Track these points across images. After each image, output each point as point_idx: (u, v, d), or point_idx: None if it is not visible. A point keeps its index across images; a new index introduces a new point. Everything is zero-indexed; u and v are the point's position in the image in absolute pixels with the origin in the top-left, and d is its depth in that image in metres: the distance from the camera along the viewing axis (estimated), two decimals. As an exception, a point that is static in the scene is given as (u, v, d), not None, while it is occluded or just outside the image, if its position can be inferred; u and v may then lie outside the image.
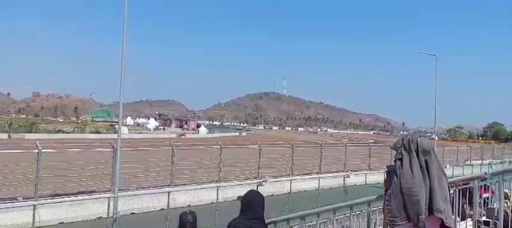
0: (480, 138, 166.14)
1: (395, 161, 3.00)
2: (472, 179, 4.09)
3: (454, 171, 27.28)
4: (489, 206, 4.16)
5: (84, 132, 75.87)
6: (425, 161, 2.90)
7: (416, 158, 2.90)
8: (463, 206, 4.81)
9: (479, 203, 4.15)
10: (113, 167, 16.88)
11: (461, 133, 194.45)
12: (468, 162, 38.75)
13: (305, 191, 25.28)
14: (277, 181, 24.72)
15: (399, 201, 2.84)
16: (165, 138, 60.13)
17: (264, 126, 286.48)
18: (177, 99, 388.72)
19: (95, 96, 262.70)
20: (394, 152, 3.08)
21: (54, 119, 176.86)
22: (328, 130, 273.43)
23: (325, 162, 27.20)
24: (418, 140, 2.95)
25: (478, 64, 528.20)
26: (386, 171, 3.15)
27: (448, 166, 32.36)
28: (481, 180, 4.02)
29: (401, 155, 2.95)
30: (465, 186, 4.62)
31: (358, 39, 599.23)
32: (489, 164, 38.43)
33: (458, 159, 38.53)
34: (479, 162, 39.85)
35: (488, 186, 4.42)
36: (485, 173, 3.97)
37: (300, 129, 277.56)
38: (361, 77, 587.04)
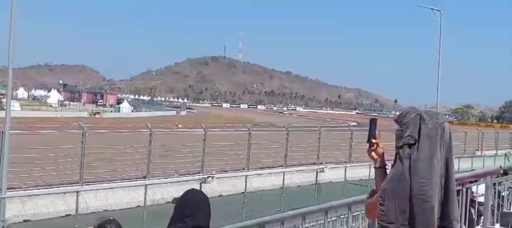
0: (495, 121, 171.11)
1: (400, 147, 2.70)
2: (485, 174, 4.19)
3: (460, 165, 28.11)
4: (504, 211, 4.28)
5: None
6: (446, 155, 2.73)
7: (438, 147, 2.68)
8: (470, 211, 4.92)
9: (492, 206, 4.25)
10: (-2, 157, 16.39)
11: (471, 114, 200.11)
12: (479, 153, 40.05)
13: (265, 190, 25.51)
14: (228, 177, 24.80)
15: (402, 201, 2.62)
16: (72, 118, 58.96)
17: (212, 103, 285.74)
18: (88, 64, 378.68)
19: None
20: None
21: None
22: (298, 109, 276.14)
23: (292, 152, 27.42)
24: (444, 127, 2.71)
25: (494, 27, 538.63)
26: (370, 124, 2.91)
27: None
28: (496, 177, 4.11)
29: (417, 139, 2.68)
30: (473, 183, 4.74)
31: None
32: (506, 155, 39.75)
33: (466, 148, 39.58)
34: (494, 152, 41.12)
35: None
36: (500, 166, 4.05)
37: (260, 107, 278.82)
38: (341, 39, 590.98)
